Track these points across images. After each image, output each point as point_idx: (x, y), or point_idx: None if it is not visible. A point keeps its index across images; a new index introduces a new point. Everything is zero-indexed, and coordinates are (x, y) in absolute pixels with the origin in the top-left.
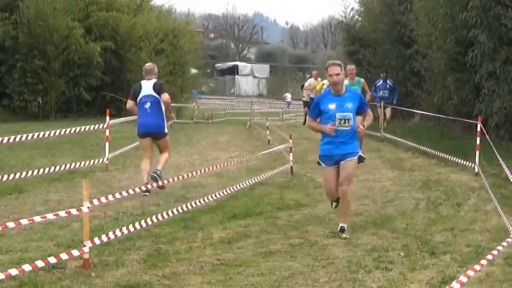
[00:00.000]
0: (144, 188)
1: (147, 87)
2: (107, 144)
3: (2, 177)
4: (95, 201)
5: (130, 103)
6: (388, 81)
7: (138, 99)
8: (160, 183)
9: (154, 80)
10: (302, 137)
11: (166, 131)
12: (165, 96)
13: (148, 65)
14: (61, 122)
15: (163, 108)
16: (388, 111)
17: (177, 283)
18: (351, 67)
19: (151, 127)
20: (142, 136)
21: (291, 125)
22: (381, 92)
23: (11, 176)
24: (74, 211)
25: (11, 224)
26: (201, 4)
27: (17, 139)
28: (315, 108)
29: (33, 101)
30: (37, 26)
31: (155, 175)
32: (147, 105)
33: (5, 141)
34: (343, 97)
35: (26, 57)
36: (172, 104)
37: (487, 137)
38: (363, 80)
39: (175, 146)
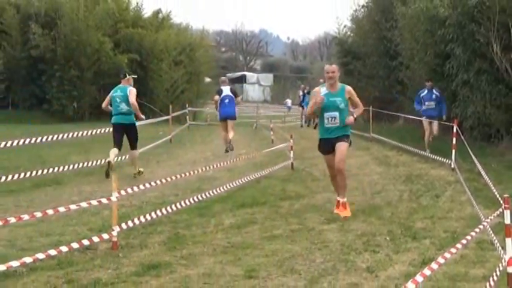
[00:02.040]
0: (225, 150)
1: (226, 90)
2: None
3: (43, 171)
4: (122, 192)
5: (216, 97)
6: (434, 91)
7: (221, 97)
8: (230, 146)
9: (229, 86)
10: (301, 137)
11: (236, 116)
12: (238, 97)
13: (224, 77)
14: (93, 123)
15: (235, 103)
16: (435, 126)
17: (193, 263)
18: (331, 68)
19: (228, 114)
20: (222, 119)
21: (291, 127)
22: (426, 103)
23: (50, 170)
24: (104, 200)
25: (50, 211)
26: (214, 22)
27: (55, 138)
28: None
29: (69, 106)
30: (72, 41)
31: (230, 143)
32: (226, 101)
33: (44, 140)
34: None
35: (63, 68)
36: (189, 108)
37: (462, 138)
38: (349, 87)
39: (192, 144)
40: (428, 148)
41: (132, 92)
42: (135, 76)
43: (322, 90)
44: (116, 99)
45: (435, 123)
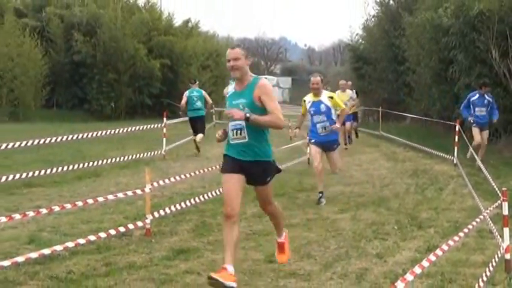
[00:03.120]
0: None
1: None
2: (164, 139)
3: (84, 164)
4: (155, 184)
5: None
6: (486, 96)
7: None
8: None
9: None
10: None
11: None
12: None
13: None
14: (129, 121)
15: None
16: (485, 135)
17: (219, 248)
18: (232, 53)
19: None
20: None
21: (307, 125)
22: (477, 109)
23: (90, 163)
24: (138, 191)
25: (90, 201)
26: (238, 30)
27: (95, 135)
28: None
29: (107, 106)
30: (111, 47)
31: None
32: None
33: (85, 136)
34: None
35: (102, 72)
36: (215, 108)
37: (464, 136)
38: (263, 81)
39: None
40: (479, 158)
41: (206, 93)
42: (197, 81)
43: (229, 88)
44: (193, 98)
45: (485, 132)
